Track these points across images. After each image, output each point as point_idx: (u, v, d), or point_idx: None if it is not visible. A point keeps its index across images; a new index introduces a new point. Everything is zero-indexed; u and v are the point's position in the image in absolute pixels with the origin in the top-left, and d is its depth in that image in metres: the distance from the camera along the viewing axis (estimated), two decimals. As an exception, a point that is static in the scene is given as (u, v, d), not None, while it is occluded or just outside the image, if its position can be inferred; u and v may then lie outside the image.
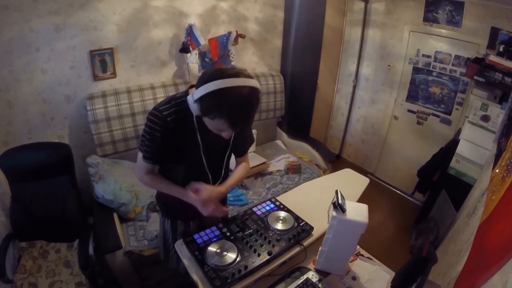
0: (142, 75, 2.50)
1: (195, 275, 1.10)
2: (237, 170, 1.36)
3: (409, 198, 3.39)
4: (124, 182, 2.07)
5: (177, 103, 1.09)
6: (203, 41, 2.42)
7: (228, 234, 1.26)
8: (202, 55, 2.53)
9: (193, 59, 2.53)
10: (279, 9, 3.10)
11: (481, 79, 2.34)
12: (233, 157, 1.39)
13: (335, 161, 3.30)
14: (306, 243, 1.29)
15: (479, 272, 1.00)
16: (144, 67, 2.49)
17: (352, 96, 3.75)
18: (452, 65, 2.79)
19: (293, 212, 1.43)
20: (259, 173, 2.68)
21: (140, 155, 1.16)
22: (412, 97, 3.18)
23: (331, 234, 1.15)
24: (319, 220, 1.28)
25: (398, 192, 3.50)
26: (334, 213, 1.11)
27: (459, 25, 2.64)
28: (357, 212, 1.12)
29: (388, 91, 3.38)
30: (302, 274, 1.21)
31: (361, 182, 1.80)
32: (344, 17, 3.49)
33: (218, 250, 1.17)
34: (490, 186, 1.45)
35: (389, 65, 3.29)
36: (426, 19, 2.85)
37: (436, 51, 2.87)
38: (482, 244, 1.16)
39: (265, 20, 3.04)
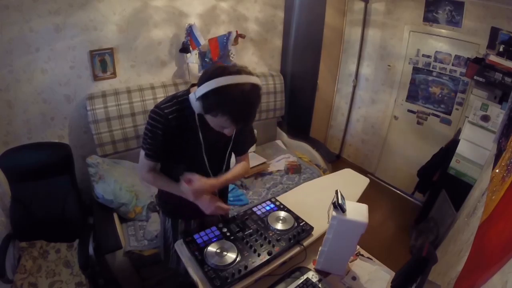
0: (142, 75, 2.50)
1: (195, 275, 1.10)
2: (236, 167, 1.36)
3: (409, 198, 3.39)
4: (124, 182, 2.07)
5: (179, 101, 1.11)
6: (203, 41, 2.42)
7: (228, 234, 1.26)
8: (202, 55, 2.53)
9: (193, 59, 2.53)
10: (279, 9, 3.10)
11: (481, 79, 2.34)
12: (233, 157, 1.39)
13: (335, 161, 3.30)
14: (306, 243, 1.29)
15: (479, 272, 1.00)
16: (144, 67, 2.49)
17: (352, 96, 3.75)
18: (452, 65, 2.79)
19: (293, 212, 1.43)
20: (259, 173, 2.68)
21: (142, 153, 1.17)
22: (412, 97, 3.18)
23: (331, 234, 1.15)
24: (319, 220, 1.28)
25: (398, 192, 3.50)
26: (334, 213, 1.11)
27: (459, 25, 2.64)
28: (357, 212, 1.13)
29: (388, 91, 3.38)
30: (302, 274, 1.21)
31: (361, 182, 1.80)
32: (344, 17, 3.49)
33: (218, 250, 1.17)
34: (490, 186, 1.45)
35: (389, 65, 3.29)
36: (426, 19, 2.85)
37: (436, 51, 2.86)
38: (482, 244, 1.16)
39: (265, 20, 3.04)
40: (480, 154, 2.15)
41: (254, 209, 1.44)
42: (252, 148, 2.85)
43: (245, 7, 2.86)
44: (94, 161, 2.09)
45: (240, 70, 0.97)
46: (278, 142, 3.31)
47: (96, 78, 2.28)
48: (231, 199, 2.28)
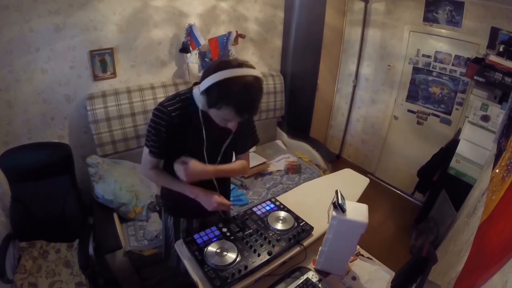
0: (142, 75, 2.50)
1: (195, 275, 1.10)
2: (234, 162, 1.36)
3: (409, 198, 3.39)
4: (124, 182, 2.07)
5: (182, 99, 1.13)
6: (203, 41, 2.42)
7: (228, 234, 1.26)
8: (202, 55, 2.53)
9: (193, 59, 2.53)
10: (279, 9, 3.10)
11: (481, 79, 2.34)
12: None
13: (335, 161, 3.30)
14: (306, 243, 1.29)
15: (479, 272, 1.00)
16: (144, 67, 2.49)
17: (352, 96, 3.75)
18: (452, 65, 2.79)
19: (293, 212, 1.43)
20: (259, 173, 2.68)
21: (145, 150, 1.18)
22: (412, 97, 3.18)
23: (331, 234, 1.15)
24: (319, 220, 1.28)
25: (398, 192, 3.50)
26: (334, 213, 1.11)
27: (459, 25, 2.64)
28: (357, 212, 1.13)
29: (388, 91, 3.38)
30: (302, 274, 1.21)
31: (361, 182, 1.80)
32: (344, 17, 3.49)
33: (218, 250, 1.17)
34: (490, 186, 1.45)
35: (389, 65, 3.29)
36: (426, 19, 2.85)
37: (436, 51, 2.87)
38: (482, 244, 1.16)
39: (265, 20, 3.04)
40: (480, 154, 2.15)
41: (254, 209, 1.44)
42: (252, 148, 2.85)
43: (245, 7, 2.86)
44: (94, 161, 2.09)
45: (242, 64, 1.00)
46: (278, 142, 3.31)
47: (96, 78, 2.28)
48: (231, 199, 2.27)
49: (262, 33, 3.08)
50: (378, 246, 1.95)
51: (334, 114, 4.06)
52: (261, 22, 3.02)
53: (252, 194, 2.43)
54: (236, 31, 2.59)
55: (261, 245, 1.22)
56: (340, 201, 1.10)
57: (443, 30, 2.77)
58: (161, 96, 2.38)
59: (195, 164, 1.13)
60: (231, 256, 1.15)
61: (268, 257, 1.17)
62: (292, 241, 1.26)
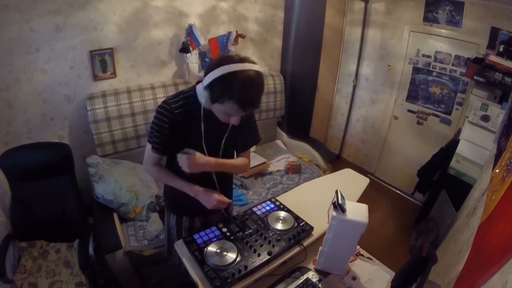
0: (142, 75, 2.50)
1: (195, 275, 1.10)
2: (236, 159, 1.37)
3: (409, 198, 3.39)
4: (124, 182, 2.07)
5: (185, 96, 1.15)
6: (203, 41, 2.42)
7: (228, 234, 1.26)
8: (202, 55, 2.53)
9: (193, 59, 2.53)
10: (279, 9, 3.10)
11: (481, 79, 2.34)
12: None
13: (335, 161, 3.30)
14: (306, 243, 1.29)
15: (479, 272, 1.00)
16: (144, 67, 2.49)
17: (352, 96, 3.75)
18: (452, 65, 2.79)
19: (293, 212, 1.43)
20: (259, 173, 2.68)
21: (148, 146, 1.20)
22: (412, 97, 3.18)
23: (331, 234, 1.15)
24: (319, 220, 1.28)
25: (398, 192, 3.50)
26: (334, 213, 1.11)
27: (459, 25, 2.64)
28: (357, 212, 1.13)
29: (388, 91, 3.38)
30: (302, 274, 1.21)
31: (361, 182, 1.80)
32: (344, 17, 3.49)
33: (218, 250, 1.17)
34: (490, 186, 1.45)
35: (389, 65, 3.29)
36: (426, 19, 2.85)
37: (436, 51, 2.87)
38: (482, 244, 1.16)
39: (265, 20, 3.04)
40: (480, 154, 2.15)
41: (254, 209, 1.44)
42: (252, 148, 2.85)
43: (245, 7, 2.86)
44: (94, 161, 2.08)
45: (244, 59, 1.03)
46: (278, 142, 3.31)
47: (96, 78, 2.28)
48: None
49: (262, 33, 3.08)
50: (378, 246, 1.95)
51: (334, 114, 4.06)
52: (261, 22, 3.02)
53: (252, 194, 2.43)
54: (236, 31, 2.59)
55: (261, 245, 1.22)
56: (340, 201, 1.10)
57: (443, 30, 2.77)
58: (161, 96, 2.38)
59: (198, 155, 1.15)
60: (231, 256, 1.15)
61: (268, 257, 1.17)
62: (292, 241, 1.26)
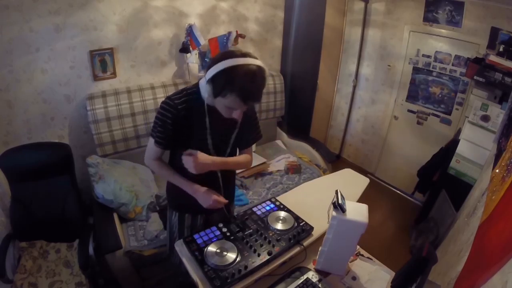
0: (142, 75, 2.50)
1: (195, 275, 1.10)
2: (239, 156, 1.40)
3: (409, 198, 3.39)
4: (124, 182, 2.07)
5: (188, 93, 1.18)
6: (203, 41, 2.42)
7: (228, 234, 1.26)
8: (202, 55, 2.53)
9: (193, 59, 2.53)
10: (279, 9, 3.10)
11: (481, 79, 2.34)
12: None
13: (335, 161, 3.30)
14: (306, 243, 1.29)
15: (479, 272, 1.00)
16: (144, 67, 2.49)
17: (352, 96, 3.75)
18: (452, 65, 2.79)
19: (293, 212, 1.43)
20: (259, 173, 2.67)
21: (151, 140, 1.22)
22: (412, 97, 3.18)
23: (331, 234, 1.15)
24: (319, 220, 1.28)
25: (398, 192, 3.50)
26: (334, 213, 1.11)
27: (459, 25, 2.64)
28: (357, 212, 1.13)
29: (388, 91, 3.38)
30: (302, 274, 1.21)
31: (361, 182, 1.80)
32: (344, 17, 3.48)
33: (218, 250, 1.17)
34: (490, 186, 1.45)
35: (389, 65, 3.29)
36: (426, 19, 2.85)
37: (436, 51, 2.86)
38: (482, 244, 1.16)
39: (265, 20, 3.04)
40: (480, 154, 2.15)
41: (254, 209, 1.44)
42: (253, 148, 2.86)
43: (245, 7, 2.86)
44: (94, 161, 2.08)
45: (246, 54, 1.05)
46: (278, 142, 3.31)
47: (96, 78, 2.28)
48: (231, 199, 2.28)
49: (262, 33, 3.08)
50: (378, 246, 1.95)
51: (334, 114, 4.06)
52: (261, 22, 3.02)
53: (252, 194, 2.43)
54: (236, 31, 2.59)
55: (261, 245, 1.22)
56: (340, 201, 1.10)
57: (443, 30, 2.77)
58: (161, 96, 2.38)
59: (202, 156, 1.17)
60: (231, 256, 1.15)
61: (268, 257, 1.17)
62: (292, 241, 1.26)
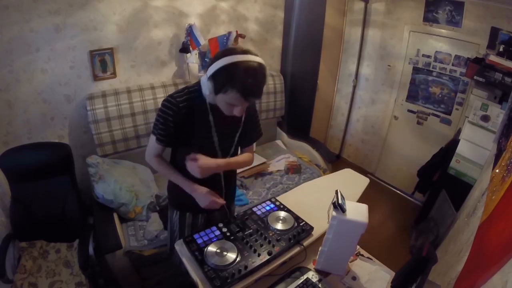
0: (142, 75, 2.50)
1: (195, 275, 1.10)
2: (241, 155, 1.41)
3: (409, 198, 3.39)
4: (124, 182, 2.07)
5: (190, 91, 1.19)
6: (203, 41, 2.42)
7: (228, 234, 1.26)
8: (202, 55, 2.53)
9: (193, 59, 2.53)
10: (279, 9, 3.10)
11: (481, 79, 2.34)
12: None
13: (335, 161, 3.30)
14: (306, 243, 1.29)
15: (479, 272, 1.00)
16: (144, 67, 2.49)
17: (352, 96, 3.75)
18: (452, 65, 2.79)
19: (293, 212, 1.43)
20: (259, 173, 2.68)
21: (152, 137, 1.23)
22: (412, 97, 3.18)
23: (331, 234, 1.15)
24: (319, 220, 1.28)
25: (398, 192, 3.50)
26: (334, 213, 1.11)
27: (459, 25, 2.64)
28: (357, 212, 1.13)
29: (388, 91, 3.38)
30: (302, 274, 1.21)
31: (361, 182, 1.80)
32: (344, 17, 3.49)
33: (218, 250, 1.17)
34: (490, 186, 1.45)
35: (389, 65, 3.29)
36: (426, 19, 2.85)
37: (436, 51, 2.86)
38: (482, 244, 1.16)
39: (265, 20, 3.04)
40: (480, 154, 2.15)
41: (254, 209, 1.44)
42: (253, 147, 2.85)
43: (245, 7, 2.86)
44: (94, 161, 2.08)
45: (246, 51, 1.06)
46: (278, 142, 3.31)
47: (96, 78, 2.28)
48: (231, 199, 2.28)
49: (262, 33, 3.08)
50: (378, 246, 1.95)
51: (334, 114, 4.06)
52: (261, 22, 3.02)
53: (252, 194, 2.43)
54: (236, 31, 2.59)
55: (261, 245, 1.22)
56: (340, 201, 1.10)
57: (443, 30, 2.77)
58: (161, 96, 2.38)
59: (206, 159, 1.17)
60: (231, 256, 1.15)
61: (268, 257, 1.17)
62: (292, 241, 1.26)
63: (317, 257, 1.25)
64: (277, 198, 1.56)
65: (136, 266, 1.87)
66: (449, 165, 2.31)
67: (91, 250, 1.79)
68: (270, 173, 2.72)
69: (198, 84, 1.20)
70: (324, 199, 1.24)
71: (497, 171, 1.45)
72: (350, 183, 1.79)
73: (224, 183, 1.38)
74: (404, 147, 3.38)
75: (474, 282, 0.99)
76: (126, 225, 2.02)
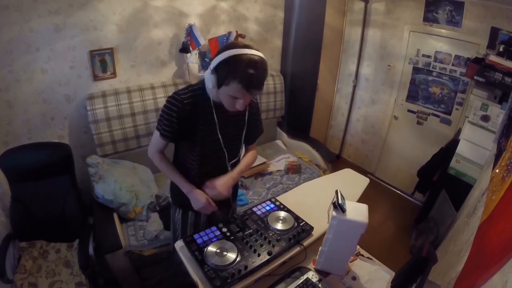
0: (142, 75, 2.50)
1: (195, 275, 1.10)
2: (246, 157, 1.45)
3: (409, 198, 3.39)
4: (124, 182, 2.07)
5: (194, 89, 1.22)
6: (203, 41, 2.42)
7: (228, 234, 1.26)
8: (202, 55, 2.53)
9: (193, 59, 2.53)
10: (279, 9, 3.10)
11: (481, 79, 2.34)
12: None
13: (335, 161, 3.30)
14: (306, 243, 1.29)
15: (479, 272, 1.00)
16: (144, 67, 2.49)
17: (352, 96, 3.75)
18: (452, 65, 2.79)
19: (293, 212, 1.43)
20: (259, 173, 2.67)
21: (156, 133, 1.25)
22: (412, 97, 3.18)
23: (331, 234, 1.15)
24: (319, 220, 1.28)
25: (398, 192, 3.50)
26: (334, 213, 1.11)
27: (459, 25, 2.64)
28: (357, 212, 1.13)
29: (388, 91, 3.38)
30: (302, 274, 1.21)
31: (361, 182, 1.80)
32: (344, 17, 3.49)
33: (218, 250, 1.17)
34: (490, 186, 1.45)
35: (389, 65, 3.29)
36: (426, 19, 2.85)
37: (436, 51, 2.86)
38: (482, 244, 1.16)
39: (265, 20, 3.04)
40: (480, 154, 2.15)
41: (254, 209, 1.44)
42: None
43: (245, 7, 2.86)
44: (94, 161, 2.08)
45: (247, 45, 1.09)
46: (278, 142, 3.31)
47: (96, 78, 2.28)
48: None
49: (262, 33, 3.08)
50: (378, 246, 1.95)
51: (334, 114, 4.06)
52: (261, 22, 3.02)
53: (252, 194, 2.43)
54: (236, 31, 2.59)
55: (261, 245, 1.22)
56: (340, 201, 1.10)
57: (443, 30, 2.77)
58: (161, 96, 2.38)
59: (222, 179, 1.29)
60: (231, 256, 1.15)
61: (268, 257, 1.17)
62: (292, 241, 1.26)
63: (317, 257, 1.25)
64: (277, 198, 1.56)
65: (136, 266, 1.87)
66: (449, 165, 2.31)
67: (91, 250, 1.79)
68: (270, 173, 2.72)
69: (202, 82, 1.23)
70: (324, 199, 1.24)
71: (497, 171, 1.45)
72: (350, 183, 1.79)
73: None
74: (404, 147, 3.37)
75: (474, 282, 0.99)
76: (126, 225, 2.03)
